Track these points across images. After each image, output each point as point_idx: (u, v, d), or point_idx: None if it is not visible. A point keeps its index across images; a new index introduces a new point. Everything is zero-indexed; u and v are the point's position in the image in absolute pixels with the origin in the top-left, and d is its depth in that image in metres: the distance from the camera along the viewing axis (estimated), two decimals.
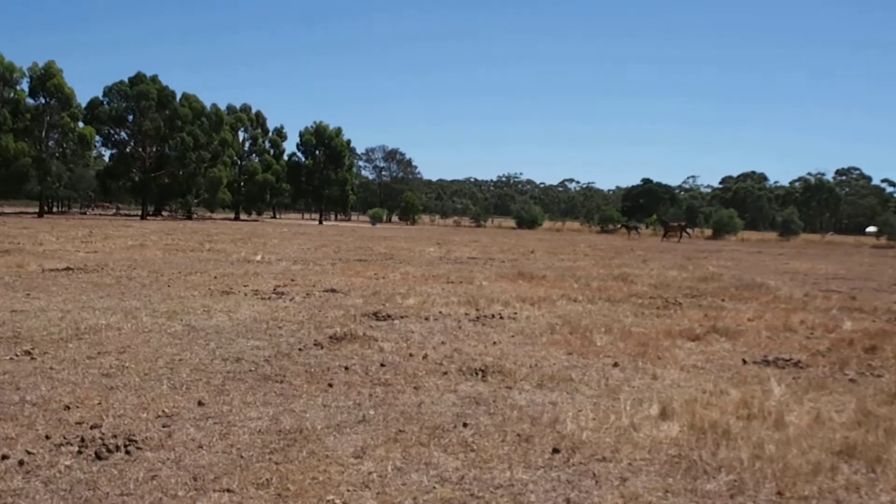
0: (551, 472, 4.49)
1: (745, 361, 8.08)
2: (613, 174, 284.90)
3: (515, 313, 11.00)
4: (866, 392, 6.78)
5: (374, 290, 13.39)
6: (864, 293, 16.74)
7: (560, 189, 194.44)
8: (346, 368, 6.99)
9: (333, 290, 13.03)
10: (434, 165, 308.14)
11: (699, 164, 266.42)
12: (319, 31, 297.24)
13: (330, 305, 11.20)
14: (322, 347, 7.94)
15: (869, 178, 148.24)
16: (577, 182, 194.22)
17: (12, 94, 60.95)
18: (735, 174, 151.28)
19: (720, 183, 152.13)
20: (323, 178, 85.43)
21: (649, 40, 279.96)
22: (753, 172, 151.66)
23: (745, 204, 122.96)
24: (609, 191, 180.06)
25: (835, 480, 4.49)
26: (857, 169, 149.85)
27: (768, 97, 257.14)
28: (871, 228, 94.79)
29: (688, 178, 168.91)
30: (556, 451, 4.82)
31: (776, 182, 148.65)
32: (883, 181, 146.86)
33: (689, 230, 62.72)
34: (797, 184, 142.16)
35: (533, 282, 16.23)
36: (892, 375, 7.57)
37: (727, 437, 5.17)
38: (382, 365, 7.19)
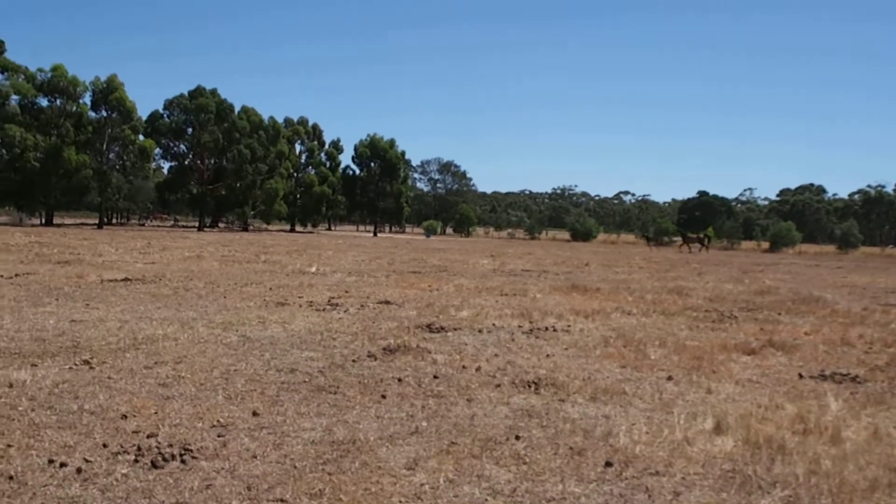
0: (604, 485, 4.46)
1: (801, 376, 7.92)
2: (669, 187, 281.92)
3: (569, 326, 10.94)
4: None
5: (427, 302, 13.45)
6: None
7: (615, 201, 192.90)
8: (400, 380, 7.03)
9: (387, 302, 13.12)
10: (489, 178, 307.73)
11: (756, 177, 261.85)
12: (376, 43, 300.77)
13: (384, 317, 11.28)
14: (376, 359, 7.99)
15: None
16: (633, 194, 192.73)
17: (75, 108, 62.80)
18: (793, 187, 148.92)
19: (778, 195, 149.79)
20: (378, 190, 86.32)
21: (704, 54, 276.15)
22: (812, 185, 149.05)
23: (803, 217, 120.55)
24: (665, 203, 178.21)
25: (893, 497, 4.39)
26: None
27: (826, 111, 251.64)
28: None
29: (744, 190, 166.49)
30: (608, 464, 4.79)
31: (835, 194, 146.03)
32: None
33: (706, 242, 62.39)
34: (856, 196, 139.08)
35: (587, 294, 16.12)
36: None
37: (782, 452, 5.07)
38: (435, 377, 7.21)
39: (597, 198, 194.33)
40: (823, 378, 7.84)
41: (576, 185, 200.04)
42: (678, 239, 75.45)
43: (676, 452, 5.04)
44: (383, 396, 6.39)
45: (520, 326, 10.73)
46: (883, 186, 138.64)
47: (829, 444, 5.34)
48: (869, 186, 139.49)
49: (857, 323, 12.62)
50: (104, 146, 64.28)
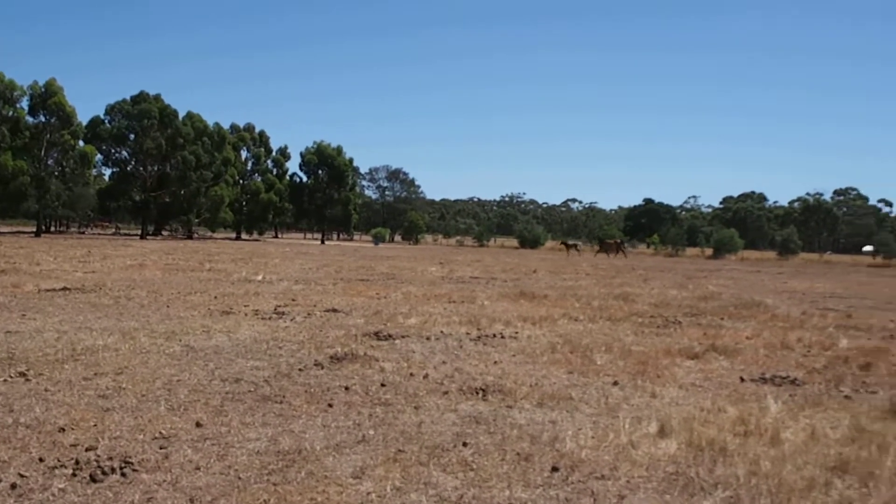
0: (550, 490, 4.49)
1: (742, 379, 8.12)
2: (616, 194, 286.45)
3: (517, 332, 11.01)
4: (860, 408, 6.84)
5: (375, 309, 13.40)
6: (860, 311, 16.88)
7: (563, 209, 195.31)
8: (347, 388, 6.98)
9: (335, 310, 13.04)
10: (437, 185, 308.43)
11: (701, 184, 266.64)
12: (324, 51, 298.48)
13: (331, 325, 11.20)
14: (322, 367, 7.93)
15: (866, 199, 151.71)
16: (580, 202, 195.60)
17: (12, 113, 60.89)
18: (736, 194, 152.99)
19: (721, 203, 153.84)
20: (325, 197, 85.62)
21: (651, 57, 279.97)
22: (753, 192, 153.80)
23: (745, 224, 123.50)
24: (611, 210, 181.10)
25: (828, 496, 4.52)
26: (854, 189, 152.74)
27: (768, 117, 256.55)
28: (868, 247, 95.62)
29: (689, 197, 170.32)
30: (555, 469, 4.82)
31: (775, 202, 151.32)
32: (879, 201, 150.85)
33: (624, 248, 64.21)
34: (796, 204, 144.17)
35: (534, 301, 16.25)
36: (885, 392, 7.66)
37: (724, 454, 5.19)
38: (383, 385, 7.19)
39: (545, 205, 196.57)
40: (764, 381, 8.05)
41: (524, 193, 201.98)
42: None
43: (621, 456, 5.10)
44: (330, 405, 6.34)
45: (468, 333, 10.76)
46: (821, 194, 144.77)
47: (768, 445, 5.46)
48: (808, 194, 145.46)
49: (797, 327, 12.97)
50: (42, 152, 62.48)
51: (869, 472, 4.88)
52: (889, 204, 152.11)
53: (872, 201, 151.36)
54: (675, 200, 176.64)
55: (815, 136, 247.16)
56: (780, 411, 6.54)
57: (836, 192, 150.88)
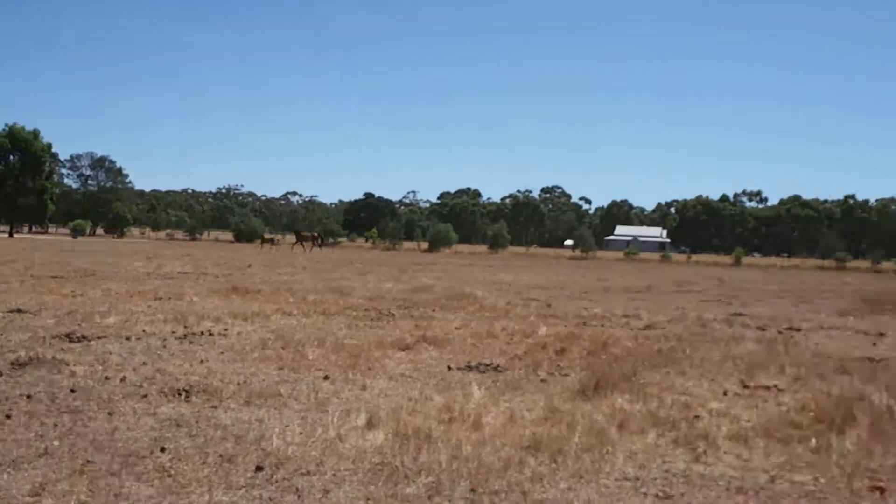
0: (253, 490, 4.34)
1: (450, 368, 8.47)
2: (337, 188, 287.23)
3: (226, 329, 10.64)
4: (554, 390, 7.40)
5: (69, 309, 12.25)
6: (559, 300, 18.51)
7: (282, 202, 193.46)
8: (29, 397, 6.29)
9: (20, 311, 11.70)
10: (148, 175, 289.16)
11: (421, 181, 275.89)
12: (24, 32, 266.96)
13: (14, 328, 10.03)
14: (1, 375, 7.08)
15: (569, 196, 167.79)
16: (300, 195, 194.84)
17: None
18: (453, 190, 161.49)
19: (438, 198, 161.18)
20: (17, 185, 77.17)
21: (365, 44, 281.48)
22: (469, 189, 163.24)
23: (460, 219, 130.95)
24: (332, 204, 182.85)
25: (522, 473, 4.82)
26: (559, 187, 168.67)
27: (485, 115, 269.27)
28: (569, 241, 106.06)
29: (408, 192, 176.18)
30: (259, 468, 4.69)
31: (489, 198, 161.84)
32: (580, 199, 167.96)
33: (320, 241, 66.81)
34: (508, 200, 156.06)
35: (247, 296, 15.85)
36: (576, 374, 8.34)
37: (429, 441, 5.35)
38: (73, 391, 6.56)
39: (263, 198, 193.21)
40: (469, 369, 8.46)
41: (242, 185, 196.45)
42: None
43: (329, 450, 5.08)
44: (8, 416, 5.67)
45: (173, 332, 10.21)
46: (530, 192, 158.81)
47: (470, 430, 5.73)
48: (518, 192, 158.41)
49: (502, 317, 13.88)
50: None
51: (559, 449, 5.28)
52: (588, 201, 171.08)
53: (574, 199, 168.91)
54: (395, 195, 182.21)
55: (526, 136, 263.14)
56: (482, 397, 6.90)
57: (543, 190, 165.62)
